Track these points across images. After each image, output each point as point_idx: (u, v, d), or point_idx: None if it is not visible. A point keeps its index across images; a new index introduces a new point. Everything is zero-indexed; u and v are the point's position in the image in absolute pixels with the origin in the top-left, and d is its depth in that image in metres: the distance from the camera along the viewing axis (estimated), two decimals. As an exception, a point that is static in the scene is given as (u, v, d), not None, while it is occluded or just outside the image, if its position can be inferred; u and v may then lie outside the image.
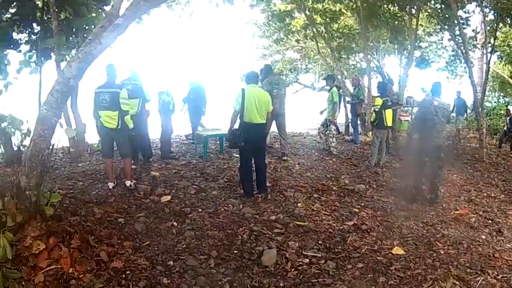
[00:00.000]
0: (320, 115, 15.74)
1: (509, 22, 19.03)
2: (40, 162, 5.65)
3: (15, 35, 12.17)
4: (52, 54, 11.95)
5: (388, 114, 12.68)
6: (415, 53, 21.33)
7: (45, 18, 12.13)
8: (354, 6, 19.51)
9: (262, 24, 24.53)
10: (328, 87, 14.74)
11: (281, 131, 12.71)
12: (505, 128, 19.31)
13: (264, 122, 9.09)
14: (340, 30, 21.50)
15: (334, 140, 14.56)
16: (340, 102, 19.52)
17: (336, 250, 6.60)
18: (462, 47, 17.02)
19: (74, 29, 12.37)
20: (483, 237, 7.82)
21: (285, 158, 12.65)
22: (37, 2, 12.24)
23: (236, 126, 9.10)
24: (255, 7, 21.79)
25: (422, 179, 9.65)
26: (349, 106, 19.23)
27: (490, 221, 8.81)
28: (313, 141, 16.00)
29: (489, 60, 17.48)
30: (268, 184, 9.56)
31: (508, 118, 19.39)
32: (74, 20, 12.02)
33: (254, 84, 9.26)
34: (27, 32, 12.37)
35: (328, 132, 14.35)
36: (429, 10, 18.90)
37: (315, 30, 20.66)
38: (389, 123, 12.79)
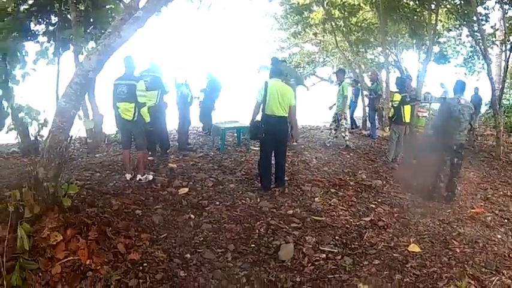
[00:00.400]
0: (329, 110, 15.60)
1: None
2: (58, 154, 5.65)
3: (32, 26, 12.17)
4: (70, 45, 11.99)
5: (407, 110, 12.65)
6: (434, 48, 21.14)
7: (63, 9, 12.15)
8: (373, 0, 19.41)
9: (281, 17, 24.47)
10: (339, 82, 14.55)
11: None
12: None
13: (286, 115, 9.04)
14: (359, 24, 21.35)
15: (347, 134, 14.51)
16: (357, 97, 19.54)
17: (353, 246, 6.57)
18: (481, 44, 16.87)
19: (92, 21, 12.32)
20: (499, 236, 7.74)
21: (295, 143, 13.13)
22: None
23: (258, 118, 9.12)
24: (273, 0, 21.83)
25: (441, 177, 9.58)
26: (366, 100, 19.19)
27: (506, 220, 8.70)
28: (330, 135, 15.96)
29: (508, 58, 17.32)
30: (285, 178, 9.54)
31: None
32: (92, 11, 12.01)
33: (277, 78, 9.21)
34: (44, 23, 12.38)
35: (340, 126, 14.28)
36: (448, 6, 18.76)
37: (333, 24, 20.56)
38: (407, 119, 12.76)
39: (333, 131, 14.54)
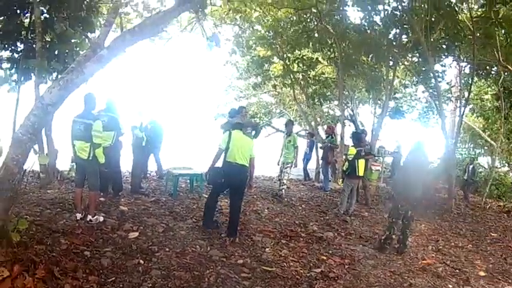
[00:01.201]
0: (278, 165, 15.32)
1: (483, 76, 19.47)
2: (10, 187, 5.59)
3: (-3, 51, 12.11)
4: (32, 75, 11.89)
5: (361, 164, 12.85)
6: (390, 103, 21.59)
7: (30, 38, 12.07)
8: (332, 55, 19.79)
9: (241, 67, 24.79)
10: (288, 133, 14.74)
11: None
12: (465, 177, 19.37)
13: (246, 164, 9.29)
14: (317, 78, 21.81)
15: (286, 183, 14.66)
16: (312, 149, 19.76)
17: (303, 297, 6.60)
18: (436, 100, 17.33)
19: (56, 53, 12.26)
20: (450, 286, 7.97)
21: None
22: (23, 21, 12.24)
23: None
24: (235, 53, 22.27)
25: (394, 228, 9.73)
26: (320, 153, 19.38)
27: (457, 271, 8.94)
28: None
29: (462, 113, 17.79)
30: (238, 228, 9.51)
31: (471, 166, 19.52)
32: (57, 44, 11.99)
33: (239, 130, 9.53)
34: (10, 49, 12.32)
35: (283, 174, 14.25)
36: (406, 63, 19.25)
37: (292, 77, 20.93)
38: (361, 172, 12.95)
39: (280, 182, 14.54)
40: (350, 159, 12.82)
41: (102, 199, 10.53)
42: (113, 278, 6.24)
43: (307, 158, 20.06)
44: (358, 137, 13.73)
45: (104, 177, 9.99)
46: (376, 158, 18.18)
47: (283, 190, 14.10)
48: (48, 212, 9.06)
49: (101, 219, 8.88)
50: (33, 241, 6.78)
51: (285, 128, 15.48)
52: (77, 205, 9.07)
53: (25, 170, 5.97)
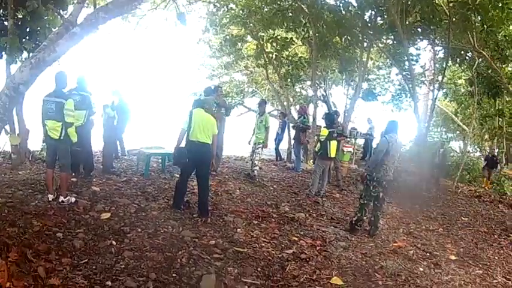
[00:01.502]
0: (248, 145, 15.52)
1: (458, 61, 19.63)
2: (-20, 168, 5.60)
3: (-34, 28, 11.87)
4: (3, 53, 11.74)
5: (333, 145, 12.94)
6: (363, 85, 21.68)
7: (1, 15, 11.99)
8: (306, 35, 19.79)
9: (214, 46, 24.69)
10: (260, 113, 14.73)
11: (218, 149, 12.98)
12: (436, 161, 19.50)
13: (209, 142, 9.42)
14: (290, 58, 21.76)
15: (259, 164, 14.69)
16: (284, 129, 19.79)
17: (275, 278, 6.67)
18: (409, 82, 17.48)
19: (28, 31, 12.16)
20: (421, 269, 8.08)
21: (214, 173, 13.19)
22: (-6, -3, 12.03)
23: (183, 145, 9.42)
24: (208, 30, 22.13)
25: (366, 210, 9.86)
26: (292, 133, 19.44)
27: (428, 254, 9.09)
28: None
29: (436, 97, 17.99)
30: (208, 208, 9.60)
31: (441, 150, 19.66)
32: (29, 21, 11.84)
33: (200, 108, 9.63)
34: (-20, 26, 12.12)
35: (255, 155, 14.22)
36: (381, 45, 19.33)
37: (265, 57, 20.95)
38: (332, 154, 13.02)
39: (252, 162, 14.52)
40: (322, 140, 12.93)
41: (73, 179, 10.50)
42: (86, 260, 6.26)
43: (279, 139, 20.17)
44: (330, 118, 13.80)
45: (76, 157, 9.96)
46: (348, 139, 18.34)
47: (255, 171, 14.12)
48: (20, 194, 9.05)
49: (73, 200, 8.86)
50: (5, 223, 6.78)
51: (257, 107, 15.42)
52: (48, 186, 9.00)
53: (-4, 150, 5.96)
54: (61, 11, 12.23)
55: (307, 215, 10.79)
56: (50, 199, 8.75)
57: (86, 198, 9.27)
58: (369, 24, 17.80)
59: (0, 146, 7.18)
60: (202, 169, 9.58)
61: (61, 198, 8.75)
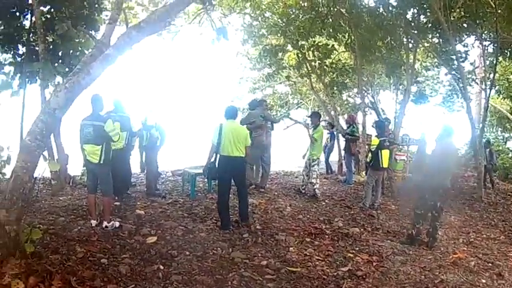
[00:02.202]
0: (303, 159, 15.17)
1: (508, 55, 19.19)
2: (21, 196, 5.62)
3: (-2, 55, 12.10)
4: (37, 78, 11.92)
5: (385, 154, 12.79)
6: (412, 88, 21.36)
7: (32, 39, 12.16)
8: (348, 41, 19.63)
9: (253, 58, 24.67)
10: (314, 125, 14.45)
11: (265, 166, 12.91)
12: (485, 163, 18.99)
13: (242, 155, 9.57)
14: (333, 66, 21.67)
15: (318, 181, 14.19)
16: (333, 140, 19.61)
17: (331, 298, 6.59)
18: (460, 82, 17.18)
19: (60, 55, 12.35)
20: (483, 281, 7.88)
21: (262, 190, 13.34)
22: (24, 22, 12.30)
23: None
24: (246, 43, 22.16)
25: (423, 222, 9.67)
26: (343, 144, 19.26)
27: (490, 264, 8.86)
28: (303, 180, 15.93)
29: (488, 95, 17.64)
30: (258, 227, 9.68)
31: (487, 150, 19.21)
32: (61, 44, 12.05)
33: (232, 120, 9.84)
34: (11, 52, 12.40)
35: (311, 172, 13.96)
36: (426, 44, 19.05)
37: (308, 66, 20.88)
38: (385, 164, 12.89)
39: (306, 177, 14.36)
40: (373, 150, 12.83)
41: (117, 203, 10.58)
42: (133, 286, 6.27)
43: (328, 151, 19.99)
44: (380, 126, 13.67)
45: (117, 180, 10.03)
46: (401, 147, 18.08)
47: (316, 189, 13.82)
48: (62, 220, 9.12)
49: (117, 224, 8.91)
50: (48, 251, 6.84)
51: (310, 120, 15.16)
52: (91, 211, 9.09)
53: (35, 177, 5.99)
54: (93, 32, 12.41)
55: (361, 229, 10.65)
56: (93, 224, 8.81)
57: (130, 222, 9.31)
58: (412, 24, 17.55)
59: (40, 172, 7.27)
60: (238, 179, 9.80)
61: (105, 223, 8.80)
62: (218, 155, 9.64)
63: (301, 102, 29.79)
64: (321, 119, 15.08)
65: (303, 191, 14.18)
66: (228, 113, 9.97)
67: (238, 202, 9.96)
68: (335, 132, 20.34)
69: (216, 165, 9.67)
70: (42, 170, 7.30)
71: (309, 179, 14.13)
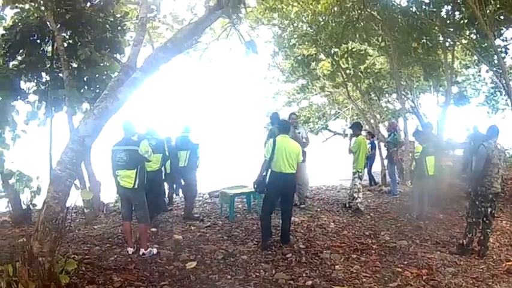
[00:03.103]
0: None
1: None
2: (54, 227, 5.71)
3: (22, 85, 12.33)
4: (63, 106, 12.09)
5: (430, 161, 12.70)
6: (452, 89, 21.16)
7: (55, 67, 12.33)
8: (382, 44, 19.52)
9: (286, 70, 24.64)
10: (355, 136, 14.32)
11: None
12: None
13: (294, 171, 9.64)
14: (369, 71, 21.64)
15: (361, 195, 14.04)
16: (374, 150, 19.44)
17: (381, 315, 6.57)
18: (502, 78, 16.99)
19: (86, 80, 12.52)
20: (541, 290, 7.76)
21: (302, 206, 13.44)
22: (46, 49, 12.49)
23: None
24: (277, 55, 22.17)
25: (474, 229, 9.57)
26: (385, 153, 19.14)
27: (547, 271, 8.69)
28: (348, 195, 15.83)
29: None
30: (302, 245, 9.69)
31: None
32: (85, 69, 12.23)
33: (285, 135, 9.88)
34: (35, 81, 12.55)
35: (353, 188, 13.97)
36: (464, 41, 18.88)
37: (343, 74, 20.85)
38: (430, 171, 12.75)
39: (351, 194, 14.25)
40: (417, 157, 12.74)
41: (153, 229, 10.73)
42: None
43: (370, 161, 19.77)
44: (421, 133, 13.64)
45: (154, 205, 10.13)
46: (446, 152, 17.91)
47: (358, 203, 13.76)
48: (97, 249, 9.23)
49: (155, 251, 9.00)
50: (84, 281, 6.94)
51: (352, 131, 15.04)
52: (127, 239, 9.19)
53: (68, 207, 6.09)
54: (118, 55, 12.52)
55: (409, 241, 10.59)
56: (130, 252, 8.92)
57: (168, 248, 9.40)
58: (448, 21, 17.37)
59: (72, 201, 7.39)
60: (286, 197, 9.86)
61: (142, 250, 8.90)
62: (269, 171, 9.73)
63: (338, 113, 29.68)
64: (360, 130, 14.85)
65: (348, 206, 14.15)
66: (282, 128, 10.11)
67: (282, 221, 9.97)
68: (376, 142, 20.22)
69: (266, 181, 9.77)
70: (75, 199, 7.38)
71: (351, 192, 14.15)
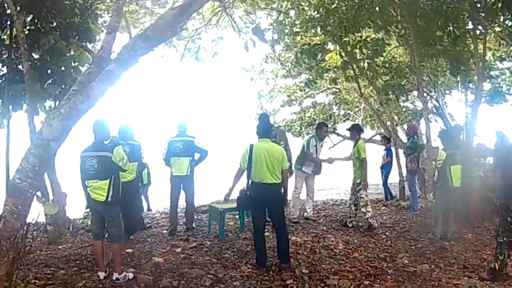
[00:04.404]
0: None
1: None
2: (12, 246, 5.70)
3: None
4: (23, 104, 12.04)
5: (455, 171, 12.56)
6: (484, 85, 21.07)
7: (13, 57, 12.25)
8: (402, 33, 19.43)
9: (287, 63, 24.53)
10: (353, 141, 14.33)
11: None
12: None
13: (278, 181, 9.70)
14: (387, 65, 21.59)
15: (370, 209, 13.88)
16: (390, 158, 19.34)
17: None
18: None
19: (50, 73, 12.39)
20: None
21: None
22: (2, 37, 12.45)
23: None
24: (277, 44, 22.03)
25: (509, 250, 9.59)
26: (403, 161, 19.05)
27: None
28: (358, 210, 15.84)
29: None
30: (305, 270, 9.66)
31: None
32: (50, 61, 12.13)
33: (266, 139, 9.97)
34: (-11, 74, 12.36)
35: (359, 199, 13.83)
36: (498, 29, 18.84)
37: (355, 67, 20.76)
38: (456, 182, 12.60)
39: (353, 207, 14.21)
40: (439, 166, 12.68)
41: (129, 250, 10.72)
42: None
43: (385, 171, 19.85)
44: (447, 135, 13.54)
45: (129, 221, 10.16)
46: (476, 160, 17.91)
47: (369, 219, 13.69)
48: (62, 273, 9.23)
49: (131, 276, 8.98)
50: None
51: (350, 134, 15.11)
52: (98, 261, 9.16)
53: (28, 223, 6.10)
54: (88, 44, 12.46)
55: (432, 265, 10.59)
56: (102, 277, 8.91)
57: (146, 273, 9.40)
58: (478, 5, 17.30)
59: (33, 216, 7.34)
60: (272, 211, 9.94)
61: (115, 275, 8.88)
62: (250, 182, 9.79)
63: (348, 114, 29.60)
64: (359, 133, 14.70)
65: (350, 225, 14.10)
66: (261, 130, 10.12)
67: (277, 240, 10.01)
68: (392, 148, 20.22)
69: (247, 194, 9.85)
70: (36, 213, 7.39)
71: (357, 208, 14.08)
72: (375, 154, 15.10)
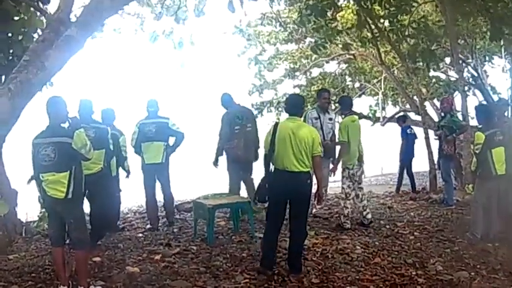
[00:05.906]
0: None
1: None
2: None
3: None
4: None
5: (497, 154, 12.21)
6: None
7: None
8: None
9: (289, 23, 24.41)
10: (342, 115, 14.09)
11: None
12: None
13: (306, 170, 9.44)
14: (414, 25, 21.31)
15: (348, 206, 13.64)
16: (412, 142, 19.11)
17: None
18: None
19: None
20: None
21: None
22: None
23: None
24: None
25: None
26: (434, 145, 18.90)
27: None
28: (381, 204, 15.82)
29: None
30: (314, 279, 9.58)
31: None
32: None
33: (295, 117, 9.69)
34: None
35: (342, 191, 13.77)
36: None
37: (374, 27, 20.48)
38: (500, 170, 12.30)
39: (356, 199, 13.90)
40: (478, 151, 12.34)
41: (97, 259, 10.62)
42: None
43: (407, 157, 19.82)
44: (485, 111, 13.18)
45: (98, 221, 10.12)
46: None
47: (342, 216, 13.65)
48: (14, 288, 9.13)
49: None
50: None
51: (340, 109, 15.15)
52: (59, 273, 8.97)
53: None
54: (41, 4, 12.33)
55: (472, 273, 10.51)
56: (63, 292, 8.80)
57: (119, 286, 9.31)
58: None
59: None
60: (296, 207, 9.64)
61: (81, 291, 8.78)
62: (272, 168, 9.65)
63: (365, 87, 29.50)
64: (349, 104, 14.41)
65: (347, 226, 13.59)
66: (289, 105, 9.99)
67: (289, 241, 9.85)
68: (412, 130, 20.14)
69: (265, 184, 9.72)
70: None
71: (361, 200, 13.93)
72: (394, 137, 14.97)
